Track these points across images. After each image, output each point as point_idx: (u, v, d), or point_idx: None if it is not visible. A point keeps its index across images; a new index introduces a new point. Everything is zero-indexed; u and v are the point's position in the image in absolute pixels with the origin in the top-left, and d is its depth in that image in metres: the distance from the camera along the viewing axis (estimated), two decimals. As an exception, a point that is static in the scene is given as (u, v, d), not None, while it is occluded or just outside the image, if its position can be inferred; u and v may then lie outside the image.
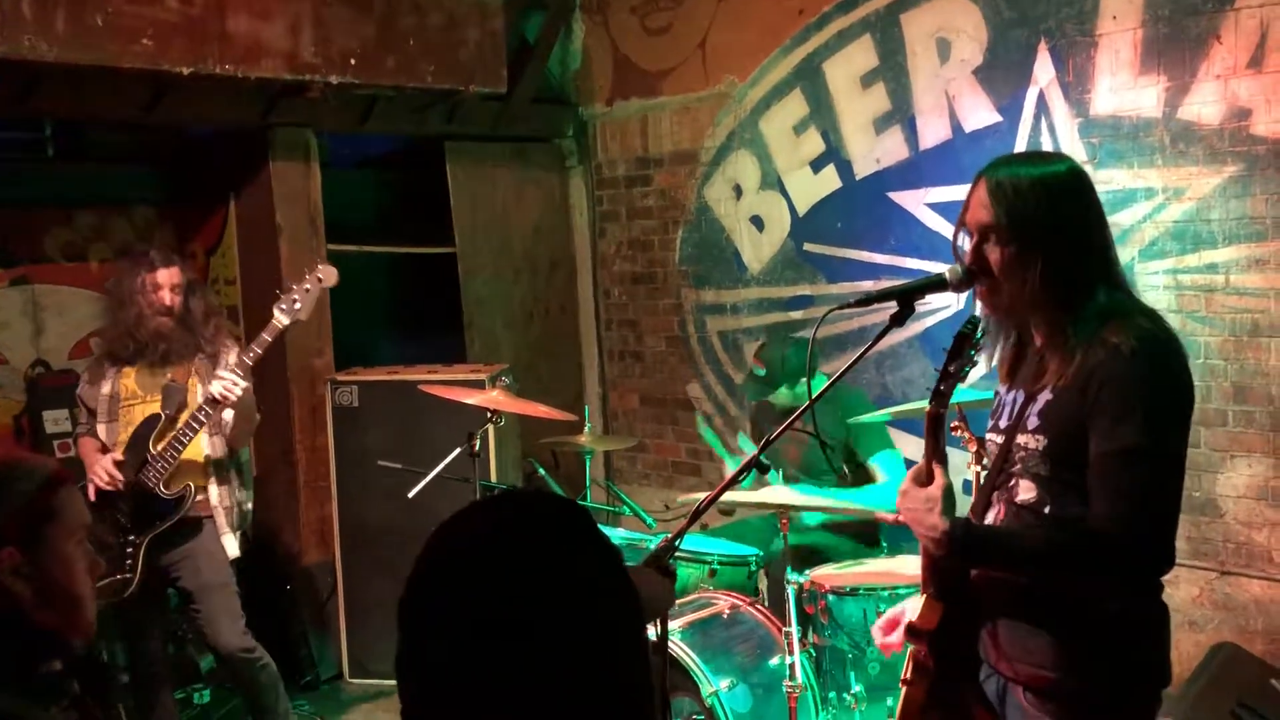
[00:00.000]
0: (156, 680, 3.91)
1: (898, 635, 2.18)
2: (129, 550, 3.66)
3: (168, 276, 3.78)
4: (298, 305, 3.76)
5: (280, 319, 3.74)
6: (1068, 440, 1.92)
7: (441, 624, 1.01)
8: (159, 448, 3.69)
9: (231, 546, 3.84)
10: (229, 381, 3.62)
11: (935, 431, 2.01)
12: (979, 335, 2.05)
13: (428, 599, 1.04)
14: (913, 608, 2.19)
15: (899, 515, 2.00)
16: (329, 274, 3.84)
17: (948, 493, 1.95)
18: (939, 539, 1.93)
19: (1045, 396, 1.96)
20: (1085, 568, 1.92)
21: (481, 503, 1.12)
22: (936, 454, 1.99)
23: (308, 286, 3.79)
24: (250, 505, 4.04)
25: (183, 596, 3.83)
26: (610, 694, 1.02)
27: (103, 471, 3.66)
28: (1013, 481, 2.02)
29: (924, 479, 1.99)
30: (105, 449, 3.78)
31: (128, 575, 3.65)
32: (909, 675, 2.08)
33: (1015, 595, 1.99)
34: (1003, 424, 2.07)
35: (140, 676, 3.92)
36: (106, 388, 3.81)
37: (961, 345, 2.02)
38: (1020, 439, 2.00)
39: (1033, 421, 1.98)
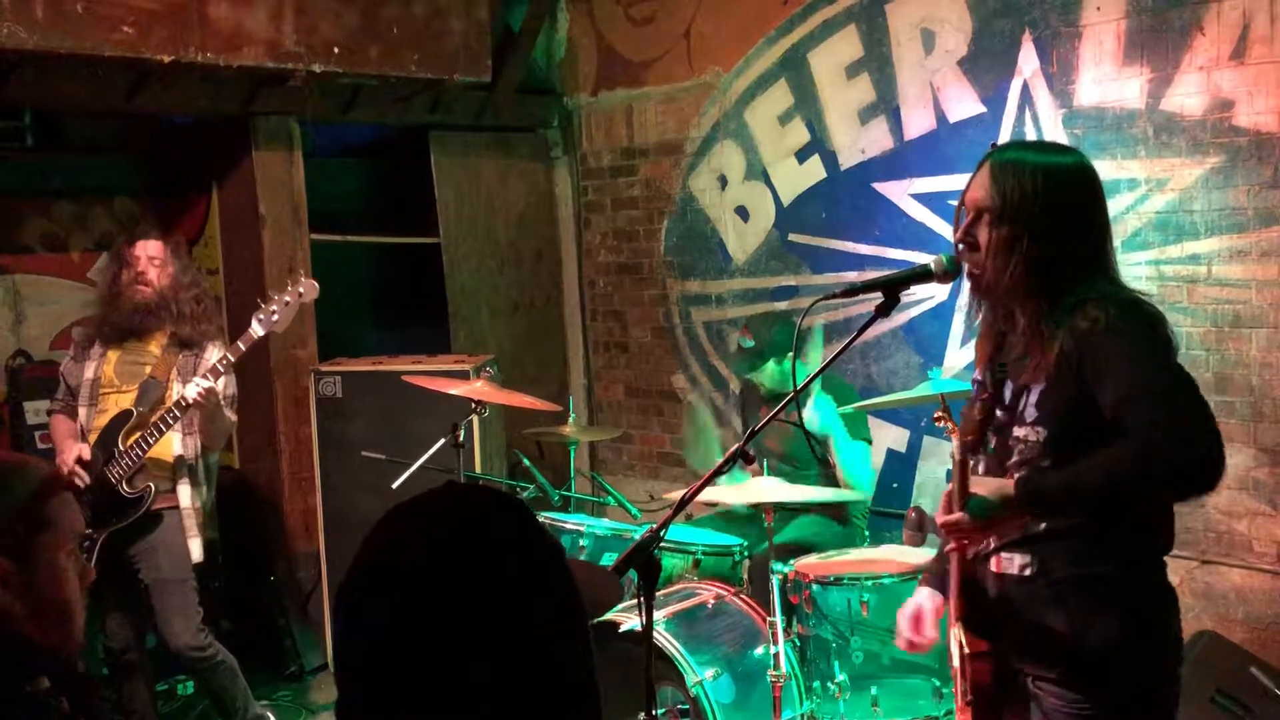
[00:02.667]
0: (132, 669, 3.90)
1: (930, 630, 2.20)
2: (85, 544, 3.60)
3: (145, 249, 3.79)
4: (275, 317, 3.72)
5: (256, 329, 3.72)
6: (1069, 428, 1.93)
7: (379, 621, 1.01)
8: (126, 444, 3.68)
9: (196, 550, 3.80)
10: (201, 386, 3.60)
11: (964, 477, 1.99)
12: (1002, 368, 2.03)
13: (365, 595, 1.03)
14: (928, 603, 2.22)
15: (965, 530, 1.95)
16: (310, 288, 3.80)
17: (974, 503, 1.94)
18: (1011, 499, 1.90)
19: (1039, 387, 1.97)
20: (1150, 480, 1.89)
21: (420, 498, 1.09)
22: (965, 493, 1.98)
23: (287, 299, 3.74)
24: (212, 507, 3.98)
25: (141, 589, 3.81)
26: (549, 690, 1.02)
27: (67, 465, 3.65)
28: (1011, 477, 2.01)
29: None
30: (80, 434, 3.77)
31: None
32: (969, 698, 2.05)
33: (1028, 596, 2.00)
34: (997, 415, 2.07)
35: (116, 666, 3.91)
36: (89, 371, 3.81)
37: (992, 396, 1.99)
38: (1019, 431, 1.99)
39: (1030, 414, 1.98)
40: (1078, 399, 1.91)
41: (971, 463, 2.04)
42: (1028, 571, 2.01)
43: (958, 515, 1.93)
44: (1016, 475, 1.95)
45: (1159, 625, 2.01)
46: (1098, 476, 1.88)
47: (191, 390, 3.60)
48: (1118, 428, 1.88)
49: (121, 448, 3.67)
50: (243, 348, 3.70)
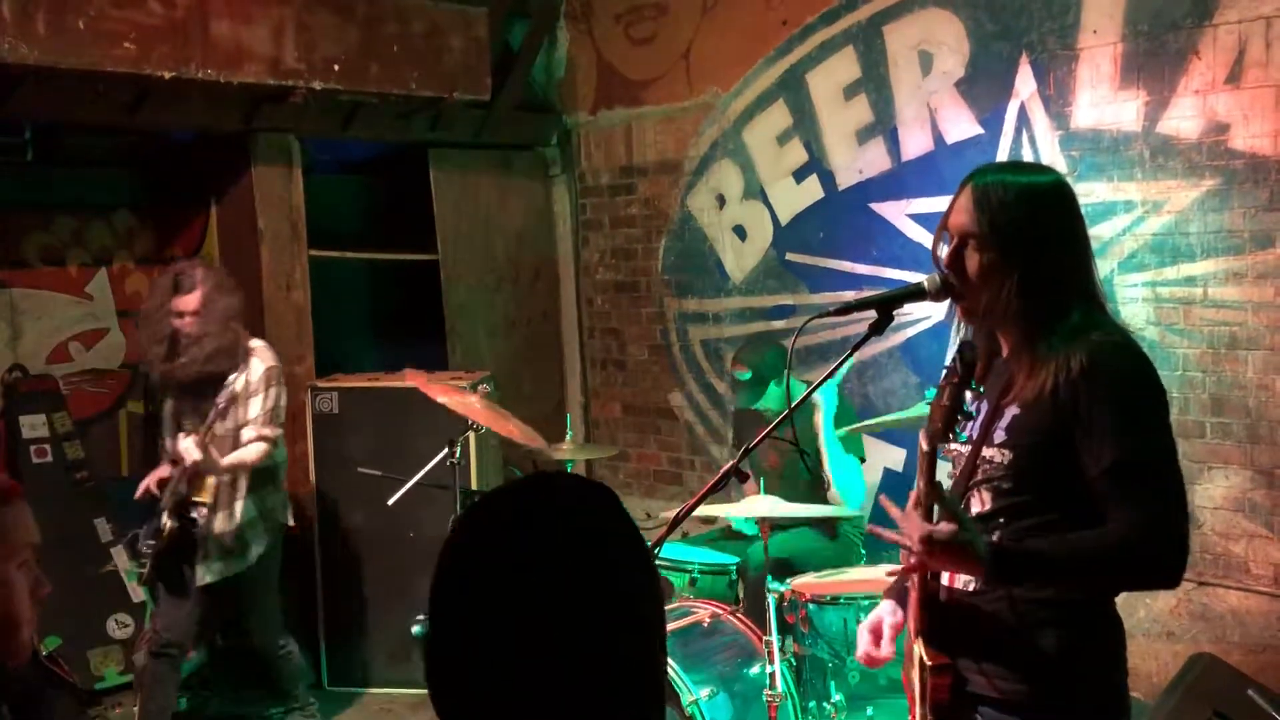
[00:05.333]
0: (165, 670, 4.00)
1: (887, 646, 2.18)
2: (147, 549, 3.90)
3: (187, 302, 3.82)
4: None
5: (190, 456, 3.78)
6: (1034, 456, 1.92)
7: (474, 605, 1.03)
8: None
9: (202, 575, 3.92)
10: (189, 447, 3.75)
11: (930, 469, 1.96)
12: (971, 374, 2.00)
13: (459, 584, 1.05)
14: (889, 616, 2.20)
15: (915, 553, 1.91)
16: None
17: (965, 523, 1.91)
18: (976, 567, 1.89)
19: (1012, 411, 1.96)
20: (1122, 577, 1.92)
21: (507, 486, 1.12)
22: (932, 488, 1.95)
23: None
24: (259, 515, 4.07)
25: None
26: (633, 667, 1.05)
27: (143, 485, 3.95)
28: (972, 494, 2.02)
29: (924, 510, 1.95)
30: (175, 460, 3.92)
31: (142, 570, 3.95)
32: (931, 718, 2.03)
33: (974, 611, 2.00)
34: (966, 434, 2.06)
35: (154, 658, 4.00)
36: (168, 407, 4.03)
37: (961, 380, 1.96)
38: (986, 452, 1.99)
39: (999, 435, 1.97)
40: (1051, 432, 1.90)
41: (940, 450, 2.02)
42: (972, 586, 2.01)
43: (918, 526, 1.90)
44: (991, 540, 1.92)
45: (1100, 651, 1.99)
46: (1072, 566, 1.89)
47: (183, 446, 3.77)
48: (1097, 492, 1.88)
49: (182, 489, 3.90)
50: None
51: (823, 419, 3.83)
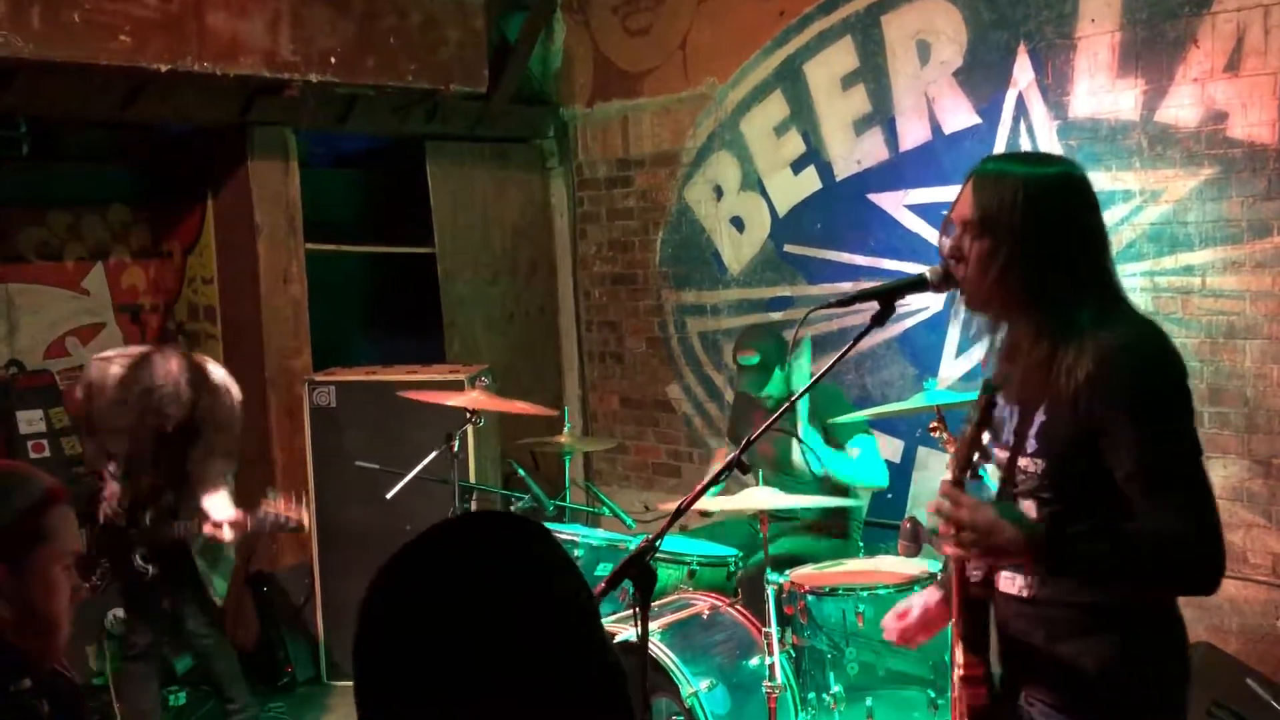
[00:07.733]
0: (145, 673, 3.97)
1: (915, 625, 2.19)
2: (99, 573, 3.79)
3: (169, 373, 3.70)
4: (264, 526, 3.81)
5: (228, 533, 3.75)
6: (1066, 461, 1.89)
7: (399, 659, 1.04)
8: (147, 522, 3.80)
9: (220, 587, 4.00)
10: (225, 508, 3.74)
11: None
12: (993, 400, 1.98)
13: (385, 635, 1.07)
14: (918, 601, 2.21)
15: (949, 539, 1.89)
16: (300, 523, 3.85)
17: (1005, 509, 1.89)
18: (1020, 547, 1.83)
19: (1040, 417, 1.93)
20: (1163, 578, 1.88)
21: (433, 530, 1.10)
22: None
23: (279, 519, 3.80)
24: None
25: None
26: (569, 691, 1.03)
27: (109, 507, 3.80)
28: (1015, 503, 1.98)
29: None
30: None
31: (92, 585, 3.77)
32: None
33: (1028, 617, 1.98)
34: (1002, 438, 2.03)
35: (131, 663, 3.97)
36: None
37: (980, 421, 1.93)
38: (1021, 461, 1.96)
39: (1031, 445, 1.94)
40: (1076, 441, 1.87)
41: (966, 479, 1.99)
42: (1026, 593, 1.97)
43: (967, 504, 1.86)
44: (1050, 527, 1.89)
45: (1163, 654, 1.96)
46: (1115, 566, 1.85)
47: (212, 525, 3.71)
48: (1127, 498, 1.85)
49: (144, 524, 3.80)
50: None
51: (799, 419, 3.80)
